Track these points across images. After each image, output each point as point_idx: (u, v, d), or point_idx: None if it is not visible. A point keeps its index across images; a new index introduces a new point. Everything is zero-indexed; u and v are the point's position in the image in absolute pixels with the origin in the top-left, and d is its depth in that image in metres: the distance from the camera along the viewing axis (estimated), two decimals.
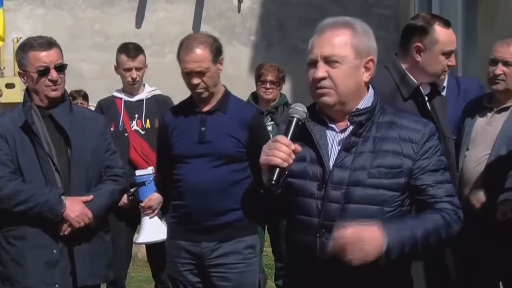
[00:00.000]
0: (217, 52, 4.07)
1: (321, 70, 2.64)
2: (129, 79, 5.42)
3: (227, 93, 4.20)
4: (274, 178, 2.54)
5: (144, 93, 5.50)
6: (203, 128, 4.08)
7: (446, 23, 3.76)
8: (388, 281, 2.66)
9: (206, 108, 4.13)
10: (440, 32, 3.71)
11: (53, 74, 3.87)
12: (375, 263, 2.52)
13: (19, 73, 3.96)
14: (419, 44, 3.70)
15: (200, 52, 4.01)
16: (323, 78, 2.64)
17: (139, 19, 9.42)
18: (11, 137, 3.84)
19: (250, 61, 9.39)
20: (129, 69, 5.40)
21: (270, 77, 6.25)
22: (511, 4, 7.10)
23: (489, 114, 4.42)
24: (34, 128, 3.84)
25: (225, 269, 4.10)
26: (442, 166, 2.71)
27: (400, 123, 2.70)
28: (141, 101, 5.46)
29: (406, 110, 2.87)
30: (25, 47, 3.89)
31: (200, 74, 4.01)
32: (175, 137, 4.13)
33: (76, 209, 3.83)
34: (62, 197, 3.84)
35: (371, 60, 2.70)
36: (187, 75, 4.04)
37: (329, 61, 2.64)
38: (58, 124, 3.92)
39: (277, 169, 2.54)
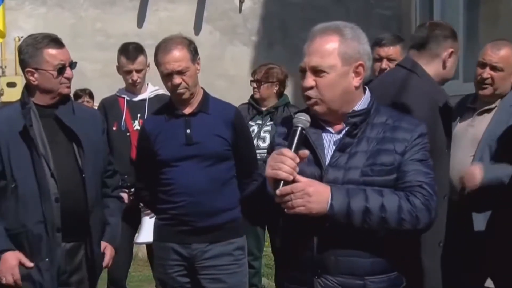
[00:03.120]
0: (195, 52, 4.13)
1: (309, 80, 2.74)
2: (130, 81, 5.43)
3: (206, 94, 4.23)
4: None
5: (147, 93, 5.50)
6: (188, 131, 4.09)
7: None
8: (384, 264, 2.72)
9: (188, 110, 4.14)
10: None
11: (69, 72, 3.85)
12: (322, 222, 2.61)
13: (28, 71, 3.82)
14: (452, 49, 3.78)
15: (179, 52, 4.05)
16: (311, 88, 2.73)
17: (141, 19, 9.41)
18: (5, 139, 3.75)
19: (251, 61, 9.38)
20: (129, 72, 5.41)
21: (257, 76, 6.25)
22: None
23: (471, 116, 4.44)
24: (31, 132, 3.75)
25: (217, 271, 4.10)
26: (425, 159, 2.75)
27: (394, 124, 2.76)
28: (143, 100, 5.46)
29: (399, 111, 2.92)
30: (38, 44, 3.80)
31: (181, 73, 4.04)
32: (160, 143, 4.12)
33: (6, 265, 3.73)
34: (9, 252, 3.72)
35: (361, 65, 2.75)
36: (168, 76, 4.06)
37: (316, 71, 2.72)
38: (64, 125, 3.85)
39: (282, 182, 2.60)
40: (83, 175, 3.83)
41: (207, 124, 4.09)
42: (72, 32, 8.88)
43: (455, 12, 8.30)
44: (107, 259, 4.03)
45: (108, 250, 4.03)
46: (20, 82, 8.60)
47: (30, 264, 3.73)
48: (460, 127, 4.39)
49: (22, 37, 8.22)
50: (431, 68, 3.76)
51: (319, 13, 9.22)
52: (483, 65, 4.38)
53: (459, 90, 7.18)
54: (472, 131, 4.36)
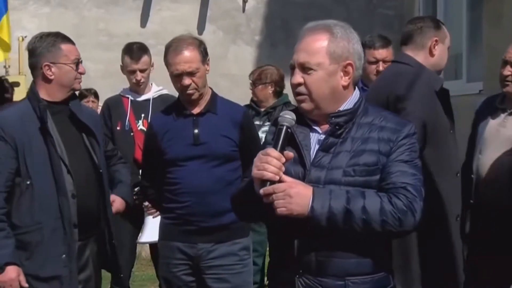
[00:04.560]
0: (205, 53, 4.14)
1: (297, 77, 2.74)
2: (134, 81, 5.44)
3: (214, 94, 4.24)
4: None
5: (151, 93, 5.52)
6: (196, 131, 4.10)
7: None
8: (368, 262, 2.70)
9: (196, 110, 4.15)
10: (445, 28, 4.08)
11: (82, 67, 3.92)
12: (305, 223, 2.61)
13: (46, 65, 3.82)
14: (436, 37, 4.04)
15: (190, 53, 4.07)
16: (299, 84, 2.74)
17: (144, 19, 9.42)
18: (19, 137, 3.76)
19: (254, 61, 9.39)
20: (133, 71, 5.43)
21: (251, 78, 6.32)
22: None
23: (502, 115, 4.43)
24: (49, 130, 3.78)
25: (222, 271, 4.12)
26: (412, 160, 2.72)
27: (381, 124, 2.75)
28: (147, 100, 5.47)
29: (389, 111, 2.93)
30: (55, 40, 3.84)
31: (191, 74, 4.05)
32: (167, 142, 4.13)
33: (5, 277, 3.73)
34: (13, 266, 3.73)
35: (350, 64, 2.74)
36: (178, 77, 4.07)
37: (304, 68, 2.73)
38: (75, 120, 3.90)
39: (268, 182, 2.61)
40: (100, 171, 3.89)
41: (214, 125, 4.11)
42: (75, 32, 8.86)
43: (458, 12, 8.30)
44: (115, 209, 4.19)
45: (117, 202, 4.19)
46: (24, 81, 8.61)
47: (25, 284, 3.75)
48: (490, 127, 4.41)
49: (25, 36, 8.22)
50: (419, 58, 4.02)
51: (322, 13, 9.23)
52: (505, 63, 4.42)
53: (462, 90, 7.19)
54: (504, 132, 4.36)
